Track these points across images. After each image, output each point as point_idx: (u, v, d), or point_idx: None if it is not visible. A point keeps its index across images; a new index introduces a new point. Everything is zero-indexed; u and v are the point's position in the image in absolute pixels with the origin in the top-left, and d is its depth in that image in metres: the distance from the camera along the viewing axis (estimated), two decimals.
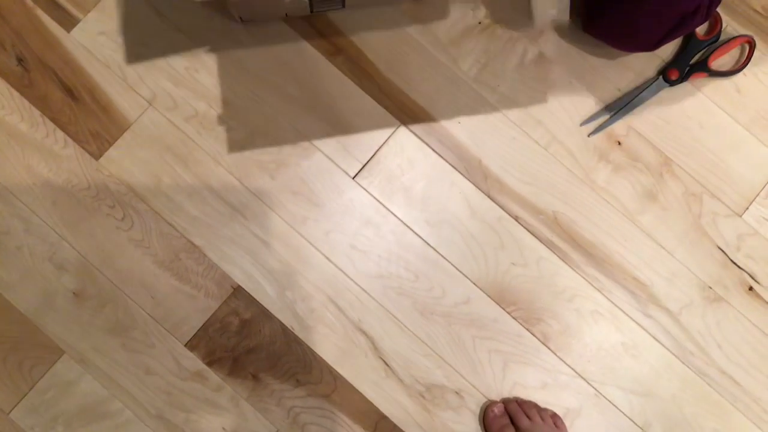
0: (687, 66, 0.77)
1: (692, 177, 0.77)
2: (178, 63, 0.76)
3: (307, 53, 0.77)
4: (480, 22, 0.78)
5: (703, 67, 0.78)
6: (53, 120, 0.74)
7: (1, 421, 0.71)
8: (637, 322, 0.75)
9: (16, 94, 0.75)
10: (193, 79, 0.75)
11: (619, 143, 0.77)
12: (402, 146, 0.76)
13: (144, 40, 0.76)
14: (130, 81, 0.75)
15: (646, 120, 0.77)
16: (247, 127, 0.75)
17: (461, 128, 0.76)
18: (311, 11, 0.75)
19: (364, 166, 0.75)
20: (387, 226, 0.75)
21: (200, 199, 0.74)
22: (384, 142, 0.76)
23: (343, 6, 0.75)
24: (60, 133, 0.74)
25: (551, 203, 0.75)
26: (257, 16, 0.76)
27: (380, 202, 0.75)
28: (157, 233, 0.73)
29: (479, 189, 0.75)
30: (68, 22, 0.76)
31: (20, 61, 0.75)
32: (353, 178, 0.75)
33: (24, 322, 0.72)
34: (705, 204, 0.76)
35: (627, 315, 0.75)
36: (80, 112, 0.75)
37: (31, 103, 0.74)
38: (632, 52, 0.76)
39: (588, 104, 0.77)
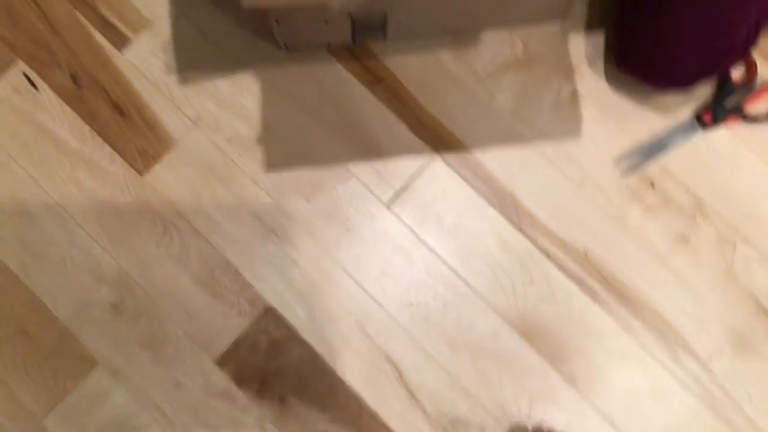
0: (722, 110, 0.74)
1: (726, 222, 0.73)
2: (223, 86, 0.74)
3: (348, 81, 0.75)
4: (517, 58, 0.76)
5: (738, 112, 0.74)
6: (102, 135, 0.73)
7: (34, 426, 0.69)
8: (665, 367, 0.71)
9: (67, 109, 0.74)
10: (236, 101, 0.74)
11: (653, 184, 0.73)
12: (436, 176, 0.74)
13: (192, 63, 0.74)
14: (177, 101, 0.74)
15: (679, 162, 0.74)
16: (286, 150, 0.73)
17: (495, 161, 0.74)
18: (353, 41, 0.73)
19: (397, 194, 0.73)
20: (418, 254, 0.72)
21: (238, 218, 0.72)
22: (418, 171, 0.74)
23: (385, 37, 0.73)
24: (107, 149, 0.73)
25: (583, 241, 0.72)
26: (301, 44, 0.74)
27: (412, 230, 0.72)
28: (195, 250, 0.71)
29: (511, 222, 0.73)
30: (121, 42, 0.75)
31: (73, 78, 0.74)
32: (387, 205, 0.73)
33: (62, 330, 0.70)
34: (738, 249, 0.72)
35: (655, 359, 0.71)
36: (128, 129, 0.73)
37: (81, 119, 0.74)
38: (666, 89, 0.73)
39: (622, 143, 0.74)
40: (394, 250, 0.72)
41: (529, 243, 0.72)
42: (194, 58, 0.75)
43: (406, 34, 0.74)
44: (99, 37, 0.75)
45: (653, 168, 0.74)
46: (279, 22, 0.67)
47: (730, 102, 0.75)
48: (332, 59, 0.75)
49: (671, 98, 0.75)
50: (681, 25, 0.67)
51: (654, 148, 0.74)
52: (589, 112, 0.75)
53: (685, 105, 0.75)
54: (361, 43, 0.75)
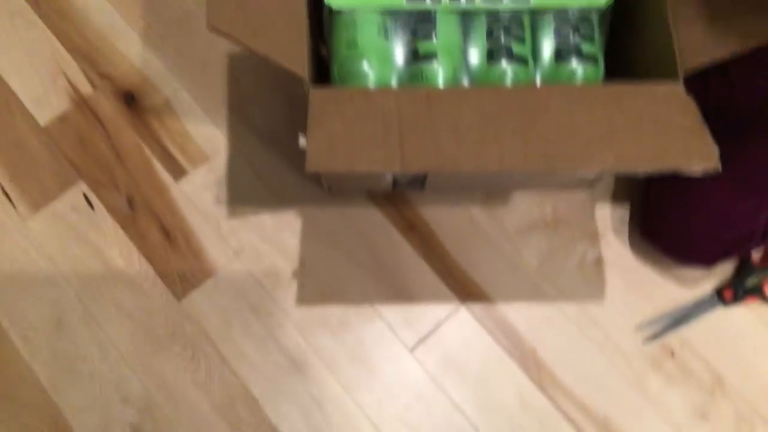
0: (742, 288, 0.77)
1: (744, 400, 0.73)
2: (267, 220, 0.79)
3: (383, 226, 0.80)
4: (545, 219, 0.80)
5: (758, 292, 0.77)
6: (147, 258, 0.78)
7: None
8: None
9: (120, 231, 0.79)
10: (278, 237, 0.79)
11: (673, 354, 0.75)
12: (461, 325, 0.76)
13: (242, 198, 0.80)
14: (223, 232, 0.79)
15: (700, 335, 0.76)
16: (319, 286, 0.77)
17: (519, 316, 0.76)
18: (393, 190, 0.79)
19: (422, 340, 0.75)
20: (438, 403, 0.73)
21: (265, 350, 0.74)
22: (444, 319, 0.76)
23: (423, 189, 0.79)
24: (151, 271, 0.77)
25: (603, 406, 0.73)
26: (344, 188, 0.80)
27: (434, 379, 0.74)
28: (220, 379, 0.73)
29: (532, 380, 0.74)
30: (178, 173, 0.81)
31: (129, 201, 0.80)
32: (411, 350, 0.75)
33: None
34: (757, 430, 0.72)
35: None
36: (173, 254, 0.78)
37: (131, 241, 0.78)
38: (687, 265, 0.76)
39: (644, 311, 0.77)
40: (414, 397, 0.73)
41: (549, 403, 0.73)
42: (244, 194, 0.80)
43: (443, 189, 0.80)
44: (159, 167, 0.82)
45: (674, 338, 0.76)
46: (325, 175, 0.73)
47: (750, 281, 0.78)
48: (371, 204, 0.80)
49: (694, 273, 0.78)
50: (704, 209, 0.70)
51: (675, 319, 0.77)
52: (612, 278, 0.78)
53: (707, 280, 0.78)
54: (399, 192, 0.81)
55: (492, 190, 0.81)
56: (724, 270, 0.79)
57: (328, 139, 0.54)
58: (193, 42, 0.87)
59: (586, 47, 0.65)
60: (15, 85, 0.85)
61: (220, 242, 0.79)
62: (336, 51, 0.65)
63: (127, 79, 0.86)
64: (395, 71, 0.65)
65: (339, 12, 0.65)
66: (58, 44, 0.87)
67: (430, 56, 0.64)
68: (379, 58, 0.64)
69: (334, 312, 0.76)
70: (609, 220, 0.81)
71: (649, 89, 0.57)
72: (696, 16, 0.58)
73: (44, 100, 0.85)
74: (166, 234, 0.79)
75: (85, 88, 0.85)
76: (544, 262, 0.79)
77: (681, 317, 0.77)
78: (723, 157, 0.55)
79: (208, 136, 0.83)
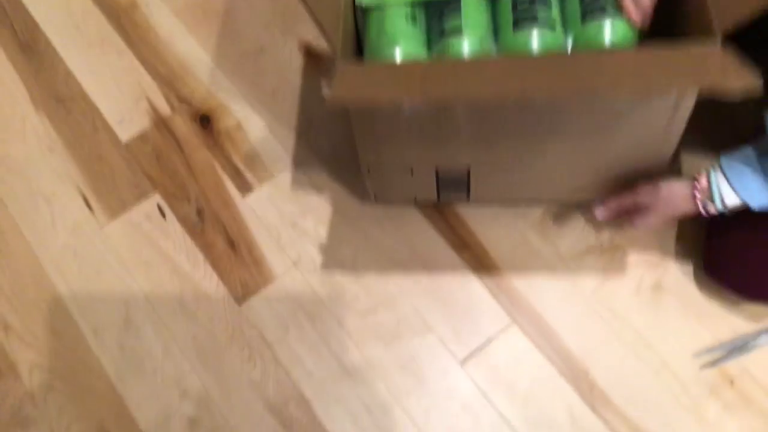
0: None
1: None
2: (324, 235, 0.88)
3: (437, 243, 0.87)
4: (601, 244, 0.86)
5: None
6: (213, 265, 0.88)
7: None
8: None
9: (188, 239, 0.90)
10: (335, 250, 0.88)
11: (732, 383, 0.78)
12: (513, 343, 0.81)
13: (302, 212, 0.90)
14: (283, 243, 0.88)
15: (761, 365, 0.78)
16: (373, 298, 0.84)
17: (573, 336, 0.81)
18: (438, 198, 0.85)
19: (472, 354, 0.81)
20: (486, 417, 0.78)
21: (318, 355, 0.82)
22: (495, 335, 0.82)
23: (468, 199, 0.85)
24: (215, 277, 0.87)
25: (656, 430, 0.76)
26: (389, 196, 0.87)
27: (483, 392, 0.79)
28: (275, 380, 0.81)
29: (583, 400, 0.78)
30: (245, 188, 0.92)
31: (199, 213, 0.91)
32: (461, 363, 0.81)
33: None
34: None
35: None
36: (236, 262, 0.88)
37: (198, 248, 0.89)
38: (753, 302, 0.79)
39: (702, 338, 0.80)
40: (462, 408, 0.79)
41: (601, 423, 0.77)
42: (305, 210, 0.90)
43: (489, 197, 0.86)
44: (228, 183, 0.93)
45: (734, 366, 0.79)
46: (370, 170, 0.80)
47: None
48: (425, 220, 0.88)
49: (754, 305, 0.81)
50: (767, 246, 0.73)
51: (735, 348, 0.79)
52: (670, 304, 0.82)
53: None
54: (448, 205, 0.87)
55: (541, 199, 0.87)
56: None
57: (353, 81, 0.62)
58: (264, 72, 1.00)
59: (612, 3, 0.68)
60: (101, 104, 1.00)
61: (279, 252, 0.88)
62: (368, 41, 0.73)
63: (204, 104, 0.99)
64: (424, 53, 0.72)
65: (370, 9, 0.73)
66: (142, 69, 1.01)
67: (455, 31, 0.70)
68: (407, 42, 0.71)
69: (387, 322, 0.84)
70: (669, 249, 0.85)
71: (683, 48, 0.59)
72: None
73: (127, 119, 0.98)
74: (231, 243, 0.89)
75: (165, 110, 0.99)
76: (600, 285, 0.84)
77: (741, 346, 0.80)
78: None
79: (275, 157, 0.94)
